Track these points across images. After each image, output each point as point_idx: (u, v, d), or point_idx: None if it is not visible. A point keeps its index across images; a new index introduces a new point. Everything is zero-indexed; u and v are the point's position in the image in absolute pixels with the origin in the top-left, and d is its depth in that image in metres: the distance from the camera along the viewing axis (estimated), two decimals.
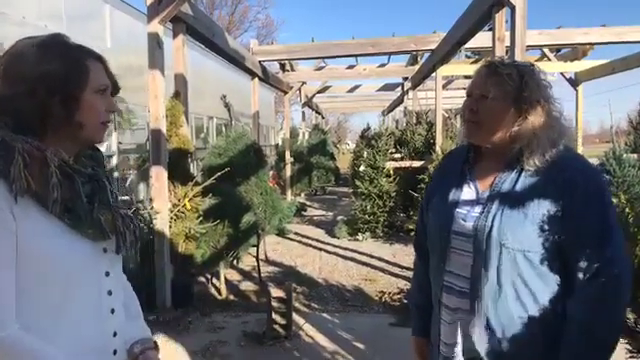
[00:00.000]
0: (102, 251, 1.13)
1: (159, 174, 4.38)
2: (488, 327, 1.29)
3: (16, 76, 1.04)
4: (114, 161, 6.51)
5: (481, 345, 1.30)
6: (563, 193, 1.23)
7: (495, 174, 1.35)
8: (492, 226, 1.27)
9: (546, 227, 1.23)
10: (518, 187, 1.29)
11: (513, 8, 3.74)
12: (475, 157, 1.44)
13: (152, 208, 4.33)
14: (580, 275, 1.22)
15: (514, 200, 1.28)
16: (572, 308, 1.24)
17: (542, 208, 1.24)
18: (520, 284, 1.26)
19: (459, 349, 1.37)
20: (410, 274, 5.77)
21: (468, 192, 1.39)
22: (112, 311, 1.15)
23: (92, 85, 1.10)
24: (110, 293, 1.15)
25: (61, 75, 1.05)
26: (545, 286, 1.26)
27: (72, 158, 1.11)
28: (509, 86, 1.30)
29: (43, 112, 1.05)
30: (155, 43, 4.29)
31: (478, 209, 1.34)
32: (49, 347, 1.02)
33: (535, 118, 1.29)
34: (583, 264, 1.22)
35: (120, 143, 6.73)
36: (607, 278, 1.20)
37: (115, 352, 1.15)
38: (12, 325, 0.99)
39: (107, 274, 1.14)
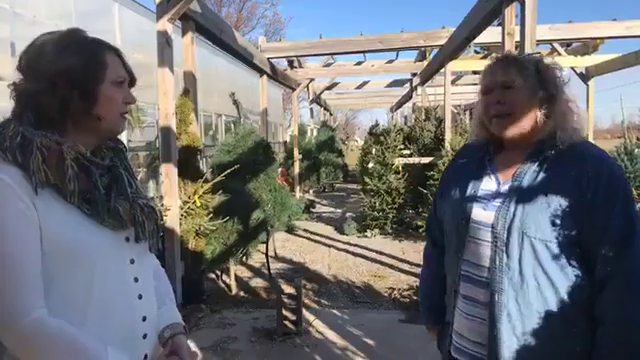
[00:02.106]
0: (124, 240, 1.15)
1: (169, 171, 4.40)
2: (509, 320, 1.27)
3: (37, 72, 1.08)
4: (128, 159, 6.55)
5: (500, 339, 1.29)
6: (588, 186, 1.22)
7: (517, 165, 1.35)
8: (514, 215, 1.27)
9: (568, 219, 1.23)
10: (540, 178, 1.28)
11: (523, 3, 3.72)
12: (495, 149, 1.43)
13: (162, 205, 4.36)
14: (607, 269, 1.21)
15: (536, 191, 1.27)
16: (604, 302, 1.22)
17: (565, 200, 1.23)
18: (541, 275, 1.25)
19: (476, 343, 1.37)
20: (419, 270, 5.75)
21: (488, 183, 1.39)
22: (140, 297, 1.17)
23: (110, 78, 1.13)
24: (136, 280, 1.17)
25: (79, 70, 1.08)
26: (566, 278, 1.25)
27: (90, 150, 1.13)
28: (530, 73, 1.32)
29: (63, 107, 1.08)
30: (164, 41, 4.31)
31: (499, 199, 1.33)
32: (78, 331, 1.05)
33: (559, 105, 1.30)
34: (610, 258, 1.20)
35: (130, 141, 6.76)
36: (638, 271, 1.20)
37: (145, 336, 1.18)
38: (40, 310, 1.02)
39: (132, 262, 1.17)
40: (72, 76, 1.07)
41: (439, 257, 1.57)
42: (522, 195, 1.29)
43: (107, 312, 1.10)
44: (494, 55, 1.45)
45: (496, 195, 1.35)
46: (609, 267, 1.21)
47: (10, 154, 1.02)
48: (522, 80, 1.32)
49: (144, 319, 1.18)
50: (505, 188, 1.34)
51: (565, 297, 1.25)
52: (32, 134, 1.04)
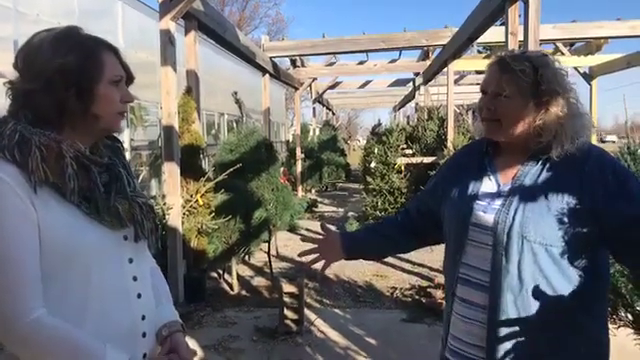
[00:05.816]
0: (123, 239, 1.15)
1: (172, 170, 4.41)
2: (507, 323, 1.26)
3: (33, 70, 1.07)
4: (126, 157, 6.57)
5: (499, 342, 1.27)
6: (593, 186, 1.21)
7: (517, 166, 1.33)
8: (514, 218, 1.25)
9: (570, 221, 1.21)
10: (541, 180, 1.27)
11: (526, 2, 3.71)
12: (495, 150, 1.41)
13: (165, 204, 4.36)
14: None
15: (537, 193, 1.25)
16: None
17: (566, 201, 1.22)
18: (541, 279, 1.23)
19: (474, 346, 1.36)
20: (422, 270, 5.78)
21: (488, 184, 1.37)
22: (139, 296, 1.17)
23: (107, 77, 1.12)
24: (135, 279, 1.17)
25: (76, 69, 1.07)
26: (566, 281, 1.23)
27: (88, 148, 1.12)
28: (524, 82, 1.27)
29: (60, 106, 1.07)
30: (167, 40, 4.31)
31: (499, 201, 1.31)
32: (78, 330, 1.05)
33: (557, 109, 1.26)
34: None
35: (132, 140, 6.78)
36: None
37: (144, 335, 1.17)
38: (39, 310, 1.01)
39: (130, 261, 1.16)
40: (68, 75, 1.06)
41: (397, 228, 1.62)
42: (522, 198, 1.27)
43: (106, 311, 1.10)
44: (497, 54, 1.41)
45: (496, 197, 1.33)
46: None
47: (8, 153, 1.01)
48: (514, 88, 1.28)
49: (143, 318, 1.17)
50: (505, 190, 1.32)
51: (565, 300, 1.23)
52: (30, 132, 1.03)
